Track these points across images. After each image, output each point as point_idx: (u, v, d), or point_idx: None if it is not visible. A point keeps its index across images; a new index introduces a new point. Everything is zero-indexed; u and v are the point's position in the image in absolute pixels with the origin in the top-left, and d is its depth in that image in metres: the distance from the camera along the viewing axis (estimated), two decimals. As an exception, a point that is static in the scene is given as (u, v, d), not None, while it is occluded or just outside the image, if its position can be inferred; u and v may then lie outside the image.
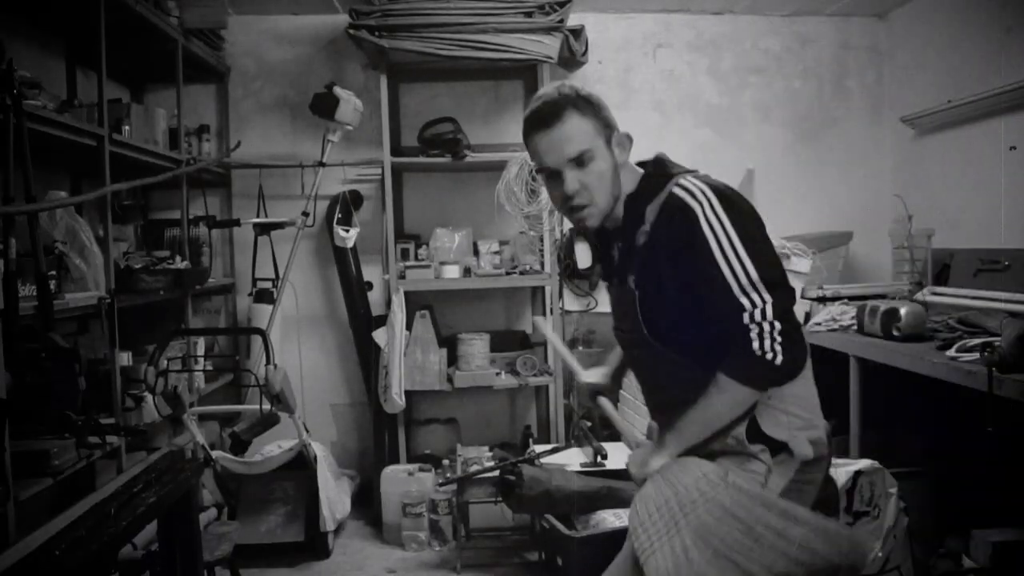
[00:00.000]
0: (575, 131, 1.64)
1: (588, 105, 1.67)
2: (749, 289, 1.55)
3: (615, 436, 3.70)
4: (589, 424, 3.95)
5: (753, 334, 1.54)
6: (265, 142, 4.58)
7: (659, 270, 1.65)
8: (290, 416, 3.60)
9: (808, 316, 3.86)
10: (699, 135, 4.81)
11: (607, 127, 1.69)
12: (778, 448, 1.64)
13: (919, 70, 4.54)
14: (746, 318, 1.54)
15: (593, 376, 2.08)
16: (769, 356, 1.54)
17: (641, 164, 1.79)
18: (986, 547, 2.81)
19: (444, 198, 4.67)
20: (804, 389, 1.69)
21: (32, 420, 2.48)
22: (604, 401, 2.01)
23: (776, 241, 3.86)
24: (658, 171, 1.71)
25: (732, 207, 1.59)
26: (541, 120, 1.65)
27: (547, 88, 1.72)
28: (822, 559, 1.50)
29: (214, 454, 3.53)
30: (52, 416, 2.46)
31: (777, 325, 1.54)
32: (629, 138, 1.74)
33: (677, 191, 1.63)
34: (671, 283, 1.63)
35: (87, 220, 3.15)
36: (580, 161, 1.66)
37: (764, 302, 1.54)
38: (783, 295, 1.56)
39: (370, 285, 4.52)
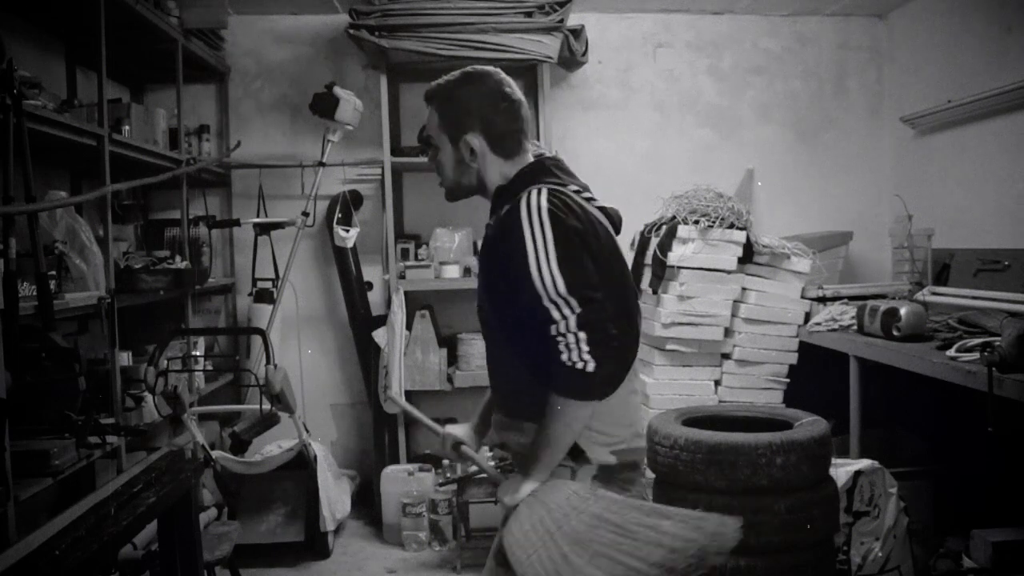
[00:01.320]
0: (430, 119, 1.91)
1: (442, 105, 1.88)
2: (558, 302, 1.62)
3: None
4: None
5: (561, 346, 1.61)
6: (265, 142, 4.58)
7: (492, 262, 1.81)
8: (290, 416, 3.60)
9: (808, 316, 3.86)
10: (699, 135, 4.81)
11: (452, 128, 1.86)
12: (577, 454, 1.73)
13: (919, 70, 4.54)
14: (554, 330, 1.62)
15: (455, 430, 2.15)
16: (580, 365, 1.60)
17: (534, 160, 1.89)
18: (986, 547, 2.81)
19: (444, 198, 4.65)
20: (616, 406, 1.75)
21: (32, 420, 2.48)
22: (465, 449, 2.07)
23: (776, 241, 3.89)
24: (529, 174, 1.82)
25: (558, 224, 1.67)
26: (425, 97, 1.95)
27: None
28: (693, 544, 1.57)
29: (214, 454, 3.53)
30: (52, 416, 2.46)
31: (582, 335, 1.60)
32: (499, 140, 1.85)
33: (523, 197, 1.72)
34: (501, 278, 1.75)
35: (87, 220, 3.14)
36: (428, 143, 1.93)
37: (571, 314, 1.61)
38: (593, 309, 1.62)
39: (370, 285, 4.52)
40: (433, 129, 1.90)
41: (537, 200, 1.70)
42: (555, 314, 1.62)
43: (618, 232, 1.88)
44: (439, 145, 1.90)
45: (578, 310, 1.61)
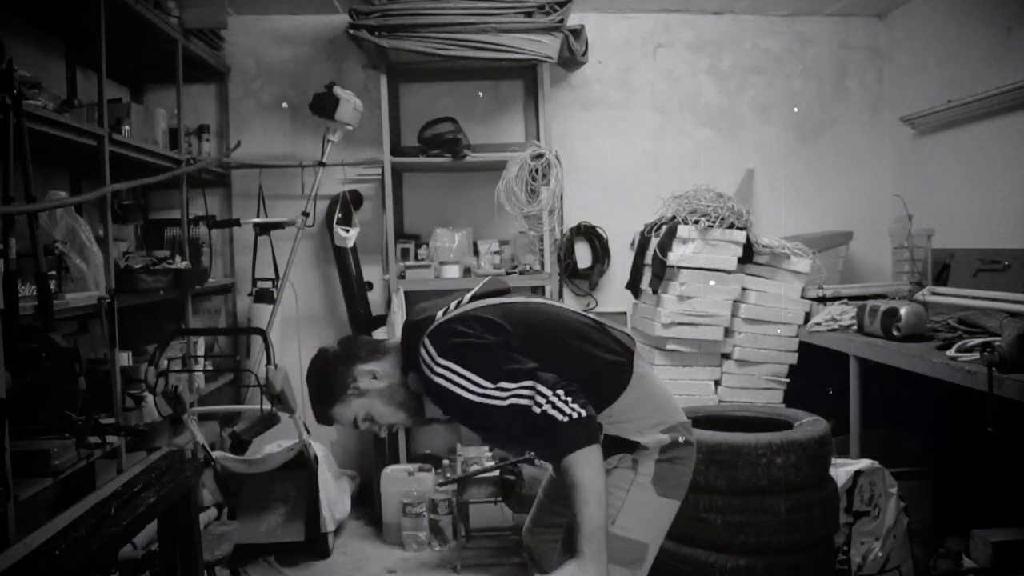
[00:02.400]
0: (343, 416, 1.97)
1: (328, 398, 1.95)
2: (515, 395, 1.72)
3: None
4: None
5: (551, 411, 1.68)
6: (265, 142, 4.58)
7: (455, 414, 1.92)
8: (290, 416, 3.60)
9: (808, 316, 3.86)
10: (699, 135, 4.81)
11: (348, 388, 1.94)
12: (633, 446, 1.87)
13: (919, 70, 4.54)
14: (538, 412, 1.69)
15: None
16: (575, 416, 1.68)
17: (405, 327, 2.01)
18: (986, 547, 2.81)
19: (444, 198, 4.67)
20: (636, 398, 1.90)
21: (32, 420, 2.48)
22: None
23: (776, 241, 3.89)
24: (405, 340, 1.95)
25: (448, 350, 1.80)
26: (324, 424, 2.03)
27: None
28: None
29: (214, 454, 3.53)
30: (52, 416, 2.46)
31: (559, 392, 1.69)
32: (366, 354, 1.98)
33: (421, 362, 1.86)
34: (471, 422, 1.93)
35: (87, 220, 3.14)
36: (364, 422, 1.98)
37: (534, 391, 1.70)
38: (545, 375, 1.73)
39: (370, 285, 4.52)
40: (348, 413, 1.96)
41: (427, 355, 1.82)
42: (523, 403, 1.70)
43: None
44: (365, 412, 1.96)
45: (536, 384, 1.71)
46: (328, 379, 1.95)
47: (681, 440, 1.92)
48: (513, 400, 1.72)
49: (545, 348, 1.86)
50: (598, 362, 1.92)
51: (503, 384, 1.73)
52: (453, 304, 1.99)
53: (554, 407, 1.68)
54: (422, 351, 1.85)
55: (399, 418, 1.99)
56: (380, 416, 1.97)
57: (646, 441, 1.87)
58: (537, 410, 1.69)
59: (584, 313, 2.08)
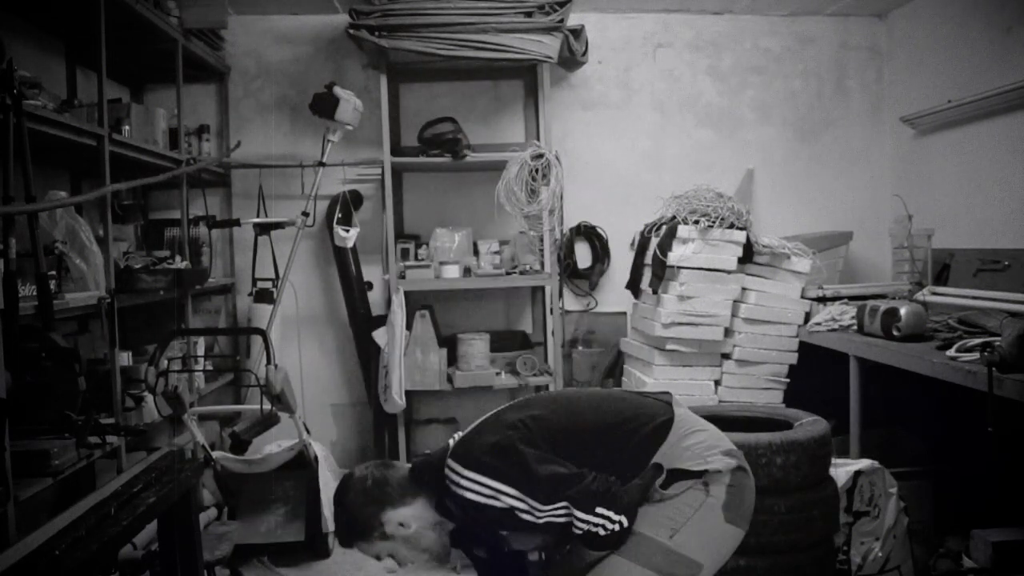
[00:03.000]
0: (365, 549, 2.00)
1: (360, 535, 1.97)
2: (550, 515, 1.81)
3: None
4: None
5: (593, 528, 1.79)
6: (265, 142, 4.58)
7: (491, 537, 2.03)
8: (290, 416, 3.59)
9: (808, 316, 3.86)
10: (699, 135, 4.81)
11: (375, 531, 1.96)
12: (701, 473, 1.89)
13: (919, 70, 4.54)
14: (578, 530, 1.80)
15: None
16: (617, 528, 1.79)
17: (416, 471, 2.01)
18: (986, 547, 2.81)
19: (444, 198, 4.67)
20: (684, 431, 1.95)
21: (32, 420, 2.48)
22: None
23: (776, 241, 3.89)
24: (437, 477, 1.93)
25: (476, 464, 1.83)
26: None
27: None
28: None
29: (214, 454, 3.53)
30: (52, 416, 2.45)
31: (601, 512, 1.78)
32: (406, 499, 1.96)
33: (447, 484, 1.88)
34: (507, 541, 2.00)
35: (87, 220, 3.14)
36: (378, 558, 2.00)
37: (569, 511, 1.79)
38: (582, 486, 1.79)
39: (370, 285, 4.52)
40: (371, 549, 1.97)
41: (452, 473, 1.85)
42: (560, 522, 1.80)
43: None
44: (390, 551, 1.97)
45: (571, 506, 1.78)
46: (356, 519, 1.96)
47: (744, 466, 1.96)
48: (550, 519, 1.79)
49: (571, 430, 1.92)
50: (630, 411, 1.97)
51: (537, 505, 1.79)
52: (451, 442, 1.99)
53: (593, 524, 1.77)
54: (448, 473, 1.86)
55: (420, 561, 2.00)
56: (403, 559, 1.98)
57: (715, 466, 1.89)
58: (575, 528, 1.78)
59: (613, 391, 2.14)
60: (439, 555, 1.99)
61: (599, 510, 1.77)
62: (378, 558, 1.98)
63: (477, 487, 1.82)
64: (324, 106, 4.02)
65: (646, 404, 2.01)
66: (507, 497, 1.80)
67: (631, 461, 1.89)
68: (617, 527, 1.78)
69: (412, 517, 1.94)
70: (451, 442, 1.98)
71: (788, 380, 3.87)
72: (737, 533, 1.93)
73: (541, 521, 1.81)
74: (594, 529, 1.78)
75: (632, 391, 2.08)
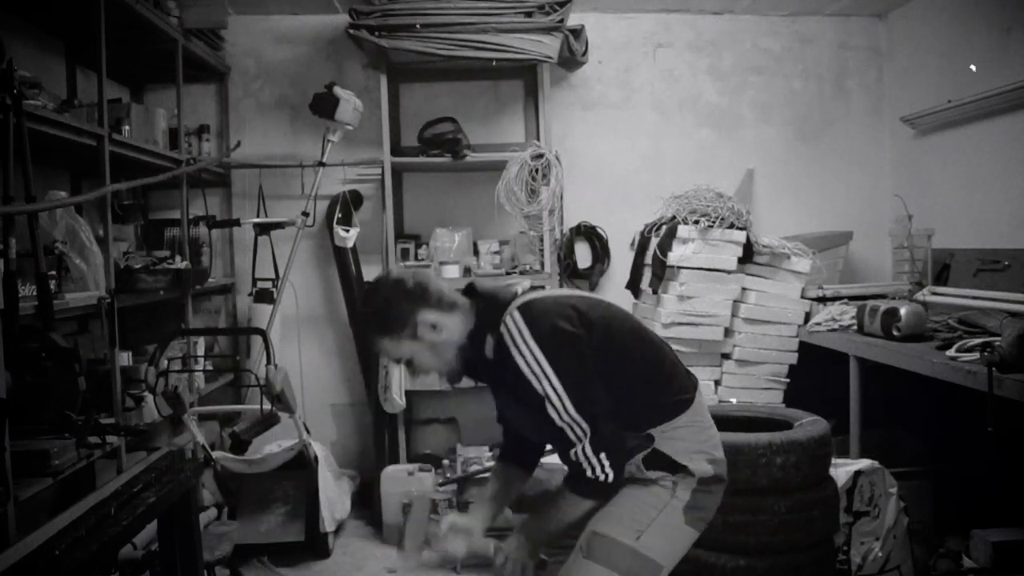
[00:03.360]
0: (388, 349, 1.94)
1: (382, 330, 1.92)
2: (571, 424, 1.79)
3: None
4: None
5: (584, 465, 1.79)
6: (265, 142, 4.58)
7: (502, 390, 1.97)
8: (290, 416, 3.60)
9: (808, 316, 3.86)
10: (699, 135, 4.81)
11: (402, 327, 1.89)
12: (679, 468, 1.89)
13: (919, 70, 4.54)
14: (573, 454, 1.80)
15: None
16: (602, 478, 1.80)
17: (469, 291, 2.00)
18: (986, 547, 2.81)
19: (444, 198, 4.67)
20: (692, 421, 1.94)
21: (32, 420, 2.48)
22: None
23: (776, 241, 3.89)
24: (490, 302, 1.94)
25: (543, 336, 1.81)
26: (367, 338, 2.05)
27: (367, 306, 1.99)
28: None
29: (214, 454, 3.53)
30: (52, 416, 2.45)
31: (603, 458, 1.79)
32: (438, 302, 1.91)
33: (503, 329, 1.86)
34: (513, 403, 1.93)
35: (87, 220, 3.14)
36: (403, 363, 1.97)
37: (585, 436, 1.78)
38: (604, 428, 1.80)
39: (370, 285, 4.51)
40: (394, 350, 1.93)
41: (515, 328, 1.83)
42: (571, 436, 1.79)
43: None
44: (410, 355, 1.93)
45: (589, 430, 1.78)
46: (389, 313, 1.89)
47: (722, 475, 1.96)
48: (567, 426, 1.78)
49: (622, 349, 1.91)
50: (667, 368, 1.97)
51: (570, 406, 1.77)
52: (520, 290, 1.97)
53: (589, 462, 1.79)
54: (509, 321, 1.84)
55: (438, 371, 1.98)
56: (421, 365, 1.95)
57: (694, 467, 1.90)
58: (574, 451, 1.79)
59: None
60: (455, 373, 1.98)
61: (602, 455, 1.78)
62: (398, 362, 1.96)
63: (530, 358, 1.79)
64: (324, 106, 4.02)
65: (680, 374, 2.00)
66: (549, 384, 1.78)
67: (636, 417, 1.89)
68: (603, 478, 1.79)
69: (445, 324, 1.90)
70: (518, 289, 1.95)
71: (788, 380, 3.87)
72: (693, 535, 1.94)
73: (559, 423, 1.78)
74: (586, 468, 1.79)
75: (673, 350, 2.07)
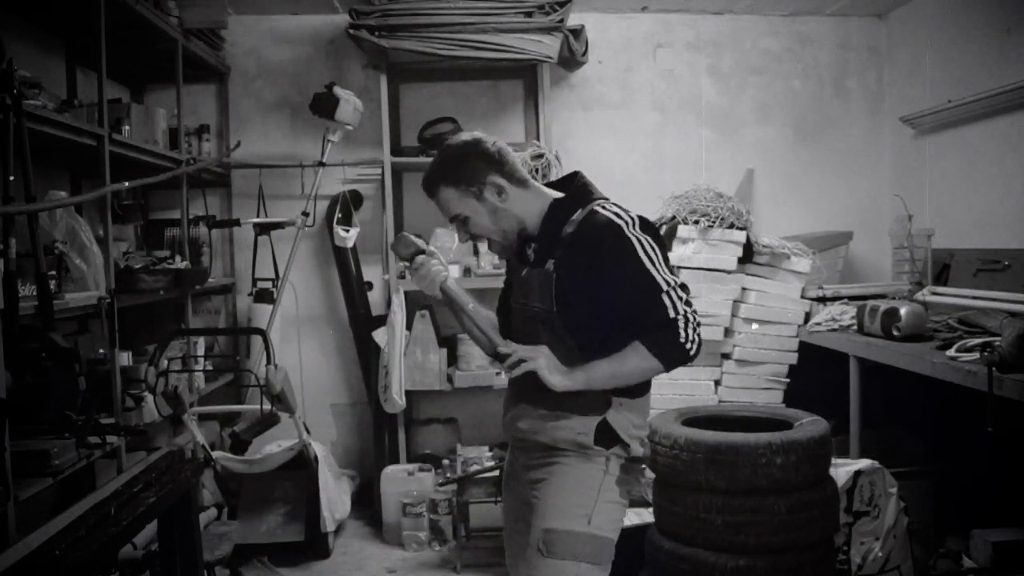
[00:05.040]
0: (446, 202, 1.98)
1: (447, 176, 1.95)
2: (673, 293, 1.83)
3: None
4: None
5: (680, 327, 1.82)
6: (265, 142, 4.58)
7: (576, 267, 1.90)
8: (290, 416, 3.60)
9: (808, 316, 3.86)
10: (699, 135, 4.81)
11: (470, 184, 1.94)
12: (615, 442, 1.92)
13: (919, 70, 4.54)
14: (672, 314, 1.82)
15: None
16: (688, 345, 1.83)
17: (562, 183, 2.06)
18: (986, 547, 2.81)
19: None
20: (640, 413, 1.99)
21: (32, 420, 2.48)
22: (451, 285, 2.08)
23: (776, 241, 3.89)
24: (576, 194, 1.98)
25: (648, 227, 1.88)
26: (426, 191, 2.02)
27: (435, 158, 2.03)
28: None
29: (214, 454, 3.53)
30: (52, 416, 2.45)
31: (692, 321, 1.83)
32: (511, 173, 1.96)
33: (600, 210, 1.90)
34: (587, 282, 1.88)
35: (87, 220, 3.14)
36: (459, 219, 2.00)
37: (682, 303, 1.84)
38: (690, 298, 1.87)
39: (370, 285, 4.52)
40: (455, 203, 1.96)
41: (622, 209, 1.89)
42: (672, 302, 1.82)
43: None
44: (468, 213, 1.96)
45: (686, 299, 1.84)
46: (461, 166, 1.93)
47: (641, 457, 2.00)
48: (669, 292, 1.82)
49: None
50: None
51: (673, 280, 1.84)
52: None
53: (684, 327, 1.81)
54: (602, 212, 1.88)
55: (490, 237, 2.00)
56: (476, 226, 1.97)
57: (633, 447, 1.94)
58: (673, 315, 1.82)
59: None
60: (512, 246, 1.99)
61: (692, 321, 1.82)
62: (453, 220, 1.98)
63: (643, 243, 1.85)
64: (324, 106, 4.02)
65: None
66: (654, 262, 1.84)
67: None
68: (687, 345, 1.82)
69: (512, 195, 1.94)
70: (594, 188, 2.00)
71: (788, 380, 3.87)
72: (626, 505, 1.99)
73: (665, 290, 1.83)
74: (681, 331, 1.81)
75: None
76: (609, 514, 1.92)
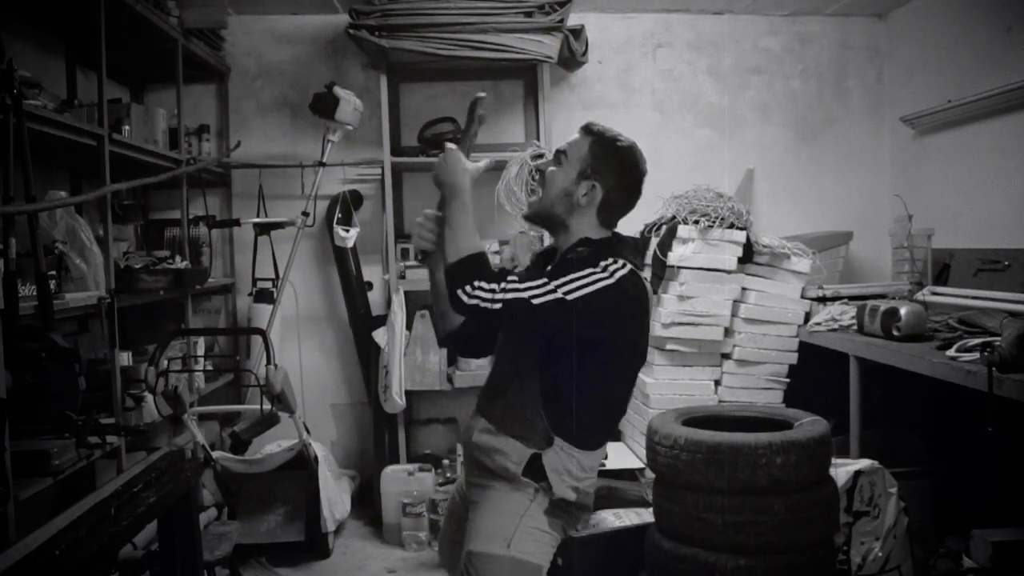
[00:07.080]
0: (578, 144, 2.09)
1: (601, 148, 2.08)
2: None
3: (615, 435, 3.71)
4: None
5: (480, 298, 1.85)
6: (265, 142, 4.58)
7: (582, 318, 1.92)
8: (290, 416, 3.60)
9: (808, 316, 3.86)
10: (699, 135, 4.81)
11: (589, 167, 2.03)
12: (544, 479, 1.93)
13: (919, 70, 4.54)
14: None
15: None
16: (466, 299, 1.88)
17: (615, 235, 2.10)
18: (986, 547, 2.81)
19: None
20: (579, 467, 1.97)
21: (32, 420, 2.48)
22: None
23: (776, 241, 3.89)
24: (628, 244, 2.05)
25: (624, 292, 1.90)
26: (581, 128, 2.18)
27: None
28: None
29: (214, 454, 3.53)
30: (52, 416, 2.45)
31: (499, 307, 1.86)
32: (609, 206, 2.05)
33: (619, 268, 1.92)
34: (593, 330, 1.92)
35: (87, 220, 3.14)
36: (557, 156, 2.09)
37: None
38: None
39: (370, 285, 4.52)
40: (575, 153, 2.06)
41: (618, 268, 1.91)
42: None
43: None
44: (566, 167, 2.04)
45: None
46: (606, 150, 2.09)
47: (586, 504, 2.01)
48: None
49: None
50: (620, 405, 2.07)
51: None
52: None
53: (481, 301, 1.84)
54: (612, 263, 1.91)
55: (545, 193, 2.07)
56: (553, 174, 2.07)
57: (556, 489, 1.93)
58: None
59: None
60: (540, 211, 2.10)
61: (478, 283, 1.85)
62: (557, 155, 2.09)
63: (589, 288, 1.87)
64: (324, 106, 4.02)
65: (618, 418, 2.14)
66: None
67: (577, 421, 1.95)
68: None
69: (593, 200, 2.02)
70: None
71: (788, 380, 3.87)
72: (558, 536, 1.99)
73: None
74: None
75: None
76: (534, 540, 1.92)
